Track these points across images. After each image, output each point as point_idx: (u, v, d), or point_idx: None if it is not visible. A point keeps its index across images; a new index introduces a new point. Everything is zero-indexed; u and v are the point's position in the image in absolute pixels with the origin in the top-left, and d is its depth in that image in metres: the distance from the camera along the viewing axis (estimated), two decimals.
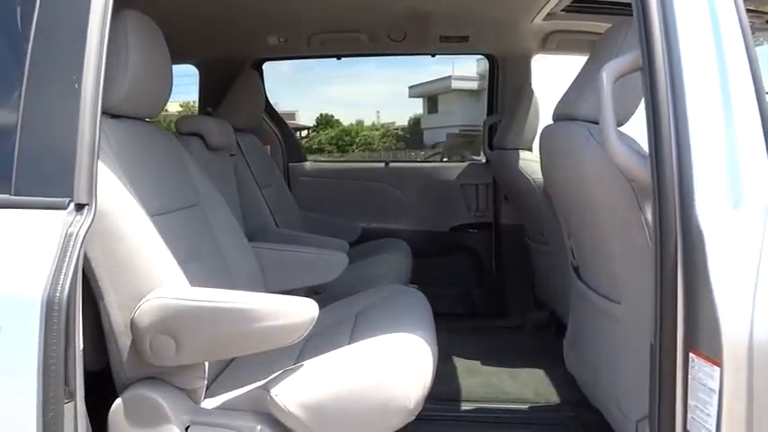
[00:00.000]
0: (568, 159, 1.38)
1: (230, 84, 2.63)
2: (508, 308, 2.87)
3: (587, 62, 1.47)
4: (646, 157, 1.06)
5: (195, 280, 1.29)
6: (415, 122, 16.57)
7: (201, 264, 1.45)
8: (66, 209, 0.97)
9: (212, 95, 2.77)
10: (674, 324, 1.03)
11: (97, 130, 1.00)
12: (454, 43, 2.67)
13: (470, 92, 15.47)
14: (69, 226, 0.96)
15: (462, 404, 1.97)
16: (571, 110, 1.38)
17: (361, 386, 1.20)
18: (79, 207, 0.98)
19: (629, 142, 1.14)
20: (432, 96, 16.60)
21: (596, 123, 1.32)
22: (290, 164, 3.10)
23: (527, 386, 2.12)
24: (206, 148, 2.20)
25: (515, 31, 2.58)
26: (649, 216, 1.23)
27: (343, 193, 3.05)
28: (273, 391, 1.17)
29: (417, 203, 3.02)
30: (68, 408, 0.97)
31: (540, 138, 1.60)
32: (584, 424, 1.82)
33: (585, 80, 1.39)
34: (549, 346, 2.45)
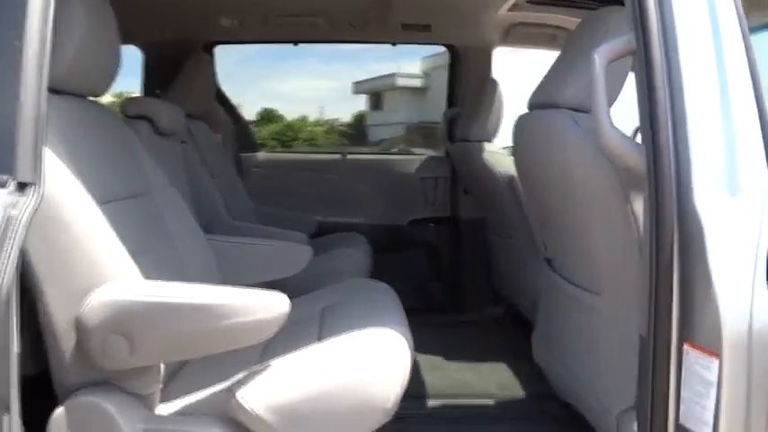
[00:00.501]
0: (551, 148, 1.33)
1: (178, 68, 2.47)
2: (466, 302, 2.85)
3: (565, 50, 1.43)
4: (640, 144, 1.03)
5: (148, 274, 1.17)
6: (360, 119, 16.53)
7: (154, 257, 1.32)
8: (5, 187, 0.84)
9: (158, 80, 2.60)
10: (668, 315, 1.00)
11: (42, 102, 0.88)
12: (416, 32, 2.61)
13: (415, 89, 15.60)
14: (10, 207, 0.83)
15: (428, 400, 1.92)
16: (552, 98, 1.34)
17: (336, 386, 1.11)
18: (22, 186, 0.85)
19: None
20: (376, 93, 16.62)
21: (580, 111, 1.29)
22: (241, 154, 2.96)
23: (490, 380, 2.10)
24: (154, 132, 2.04)
25: (478, 22, 2.54)
26: (636, 206, 1.21)
27: (297, 185, 2.93)
28: (239, 394, 1.07)
29: (375, 197, 2.94)
30: (3, 422, 0.85)
31: (516, 126, 1.55)
32: (550, 417, 1.80)
33: (566, 67, 1.35)
34: (509, 339, 2.46)
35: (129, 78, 2.86)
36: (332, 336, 1.26)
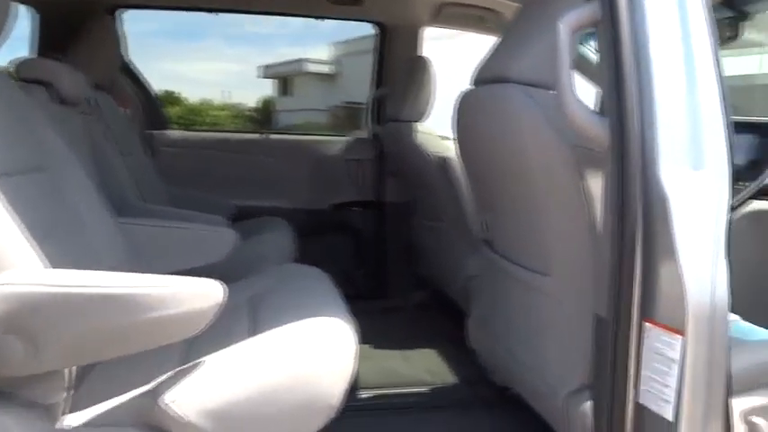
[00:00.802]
0: (503, 125, 1.27)
1: (78, 31, 2.19)
2: (390, 288, 2.80)
3: (518, 20, 1.37)
4: (605, 118, 0.99)
5: (51, 262, 1.00)
6: (268, 104, 16.11)
7: (57, 241, 1.13)
8: None
9: (55, 45, 2.30)
10: (630, 292, 0.98)
11: None
12: (346, 7, 2.48)
13: (325, 75, 15.44)
14: None
15: (360, 392, 1.83)
16: (503, 72, 1.28)
17: (276, 384, 1.00)
18: None
19: None
20: (284, 78, 16.30)
21: (533, 86, 1.24)
22: (151, 131, 2.71)
23: (421, 368, 2.05)
24: (53, 100, 1.80)
25: (409, 0, 2.45)
26: (590, 183, 1.17)
27: (213, 166, 2.73)
28: (165, 398, 0.93)
29: (297, 179, 2.80)
30: None
31: (461, 103, 1.48)
32: (485, 401, 1.78)
33: (519, 39, 1.29)
34: (436, 325, 2.43)
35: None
36: (266, 328, 1.14)
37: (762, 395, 1.20)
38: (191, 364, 0.99)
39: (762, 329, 1.32)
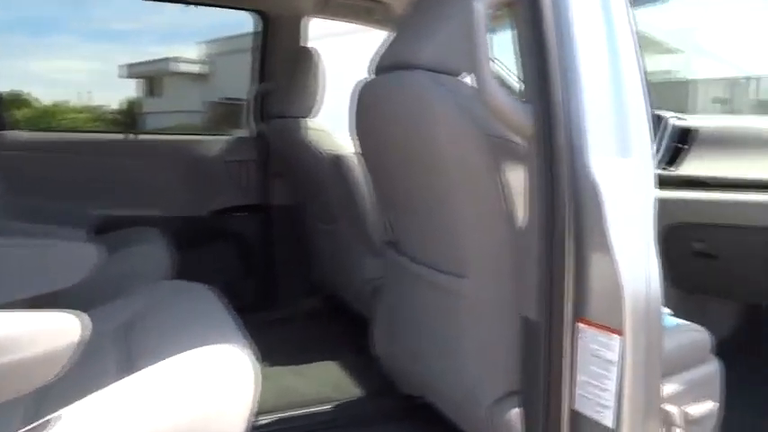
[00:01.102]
0: (409, 114, 1.16)
1: None
2: (281, 298, 2.61)
3: (420, 3, 1.26)
4: (527, 104, 0.91)
5: None
6: (133, 105, 15.07)
7: None
8: None
9: None
10: (561, 291, 0.90)
11: None
12: None
13: (197, 75, 14.73)
14: None
15: (259, 418, 1.64)
16: (407, 58, 1.16)
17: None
18: None
19: None
20: (151, 78, 15.35)
21: (443, 73, 1.14)
22: None
23: (323, 383, 1.89)
24: None
25: None
26: (508, 175, 1.09)
27: (69, 171, 2.37)
28: None
29: (171, 184, 2.51)
30: None
31: (361, 93, 1.35)
32: (393, 413, 1.66)
33: (424, 22, 1.18)
34: (334, 333, 2.28)
35: None
36: (143, 363, 0.94)
37: (672, 382, 1.19)
38: (40, 422, 0.76)
39: (668, 317, 1.32)
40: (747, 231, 1.53)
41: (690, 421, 1.14)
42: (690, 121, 1.82)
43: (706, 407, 1.19)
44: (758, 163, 1.59)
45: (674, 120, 1.85)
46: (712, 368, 1.31)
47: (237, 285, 2.62)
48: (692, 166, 1.72)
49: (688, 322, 1.32)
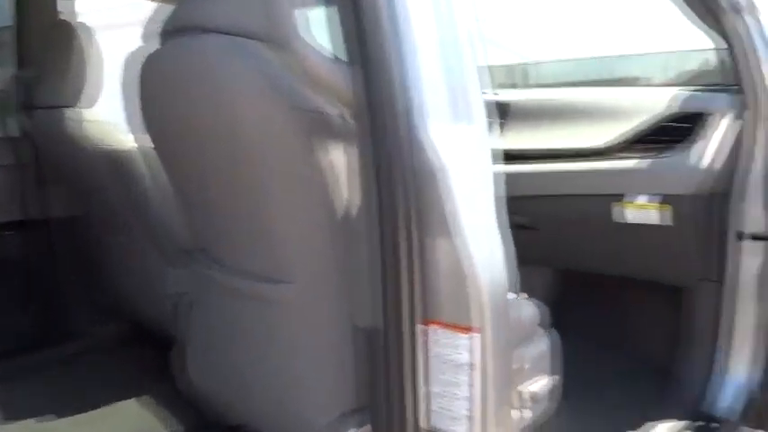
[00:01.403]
0: (204, 90, 0.92)
1: None
2: (66, 330, 2.19)
3: None
4: (354, 68, 0.74)
5: None
6: None
7: None
8: None
9: None
10: (399, 289, 0.76)
11: None
12: None
13: None
14: None
15: None
16: (199, 19, 0.93)
17: None
18: None
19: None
20: None
21: (244, 36, 0.92)
22: None
23: (127, 428, 1.59)
24: None
25: None
26: (331, 155, 0.91)
27: None
28: None
29: None
30: None
31: (144, 67, 1.07)
32: None
33: None
34: (131, 366, 1.95)
35: None
36: None
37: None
38: None
39: None
40: (563, 200, 1.56)
41: (535, 399, 1.09)
42: (501, 95, 1.84)
43: (543, 383, 1.16)
44: (570, 132, 1.64)
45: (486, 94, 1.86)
46: (546, 341, 1.29)
47: (10, 322, 2.14)
48: (507, 141, 1.73)
49: (519, 296, 1.29)
